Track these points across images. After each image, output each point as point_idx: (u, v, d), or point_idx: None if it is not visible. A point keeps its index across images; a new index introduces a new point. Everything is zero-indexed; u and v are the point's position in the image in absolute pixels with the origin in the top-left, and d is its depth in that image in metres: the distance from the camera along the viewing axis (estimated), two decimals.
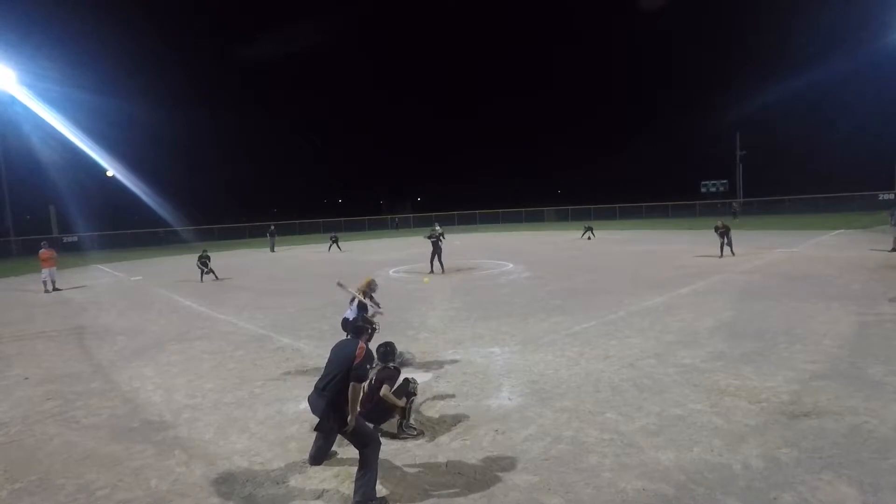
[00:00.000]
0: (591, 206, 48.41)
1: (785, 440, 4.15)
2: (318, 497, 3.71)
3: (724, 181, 57.55)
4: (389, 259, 21.74)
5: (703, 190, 58.06)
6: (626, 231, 32.80)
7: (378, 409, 4.55)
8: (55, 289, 15.94)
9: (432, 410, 5.17)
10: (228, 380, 6.51)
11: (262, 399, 5.76)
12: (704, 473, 3.72)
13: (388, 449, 4.29)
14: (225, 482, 3.98)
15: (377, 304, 6.43)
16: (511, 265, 17.26)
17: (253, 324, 9.83)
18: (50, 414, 5.63)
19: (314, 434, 4.06)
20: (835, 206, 40.78)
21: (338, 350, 3.93)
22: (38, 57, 40.77)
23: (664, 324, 8.13)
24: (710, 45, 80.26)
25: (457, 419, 4.92)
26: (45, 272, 16.03)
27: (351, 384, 3.63)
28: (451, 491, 3.69)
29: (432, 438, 4.55)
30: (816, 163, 55.65)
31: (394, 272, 17.00)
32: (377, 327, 4.75)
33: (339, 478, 3.94)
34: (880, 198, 41.27)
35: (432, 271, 15.87)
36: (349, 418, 3.62)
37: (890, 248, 15.52)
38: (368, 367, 3.84)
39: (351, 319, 5.97)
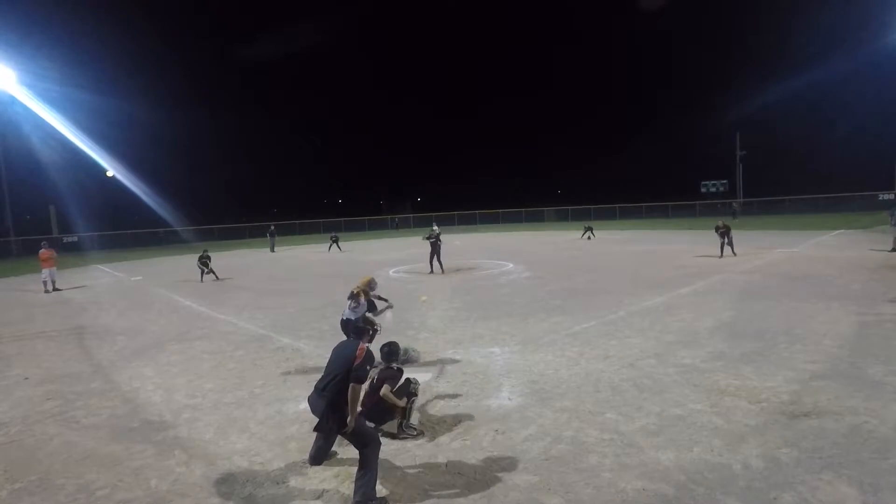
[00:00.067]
0: (591, 206, 48.43)
1: (785, 440, 4.15)
2: (318, 497, 3.71)
3: (724, 181, 57.55)
4: (389, 259, 21.75)
5: (703, 190, 58.04)
6: (626, 231, 32.81)
7: (379, 409, 4.56)
8: (55, 289, 15.94)
9: (432, 410, 5.17)
10: (228, 380, 6.51)
11: (262, 399, 5.76)
12: (704, 473, 3.72)
13: (388, 449, 4.29)
14: (225, 482, 3.98)
15: (385, 300, 6.57)
16: (511, 265, 17.26)
17: (253, 324, 9.83)
18: (50, 414, 5.63)
19: (314, 434, 4.06)
20: (835, 206, 40.81)
21: (338, 351, 3.94)
22: (38, 57, 40.87)
23: (664, 324, 8.13)
24: (710, 45, 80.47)
25: (457, 419, 4.92)
26: (45, 272, 16.04)
27: (350, 385, 3.63)
28: (451, 491, 3.69)
29: (432, 438, 4.55)
30: (816, 163, 55.76)
31: (394, 272, 17.01)
32: (379, 328, 4.76)
33: (339, 478, 3.94)
34: (880, 198, 41.27)
35: (432, 271, 15.88)
36: (349, 419, 3.62)
37: (890, 248, 15.52)
38: (369, 367, 3.84)
39: (353, 320, 5.98)
